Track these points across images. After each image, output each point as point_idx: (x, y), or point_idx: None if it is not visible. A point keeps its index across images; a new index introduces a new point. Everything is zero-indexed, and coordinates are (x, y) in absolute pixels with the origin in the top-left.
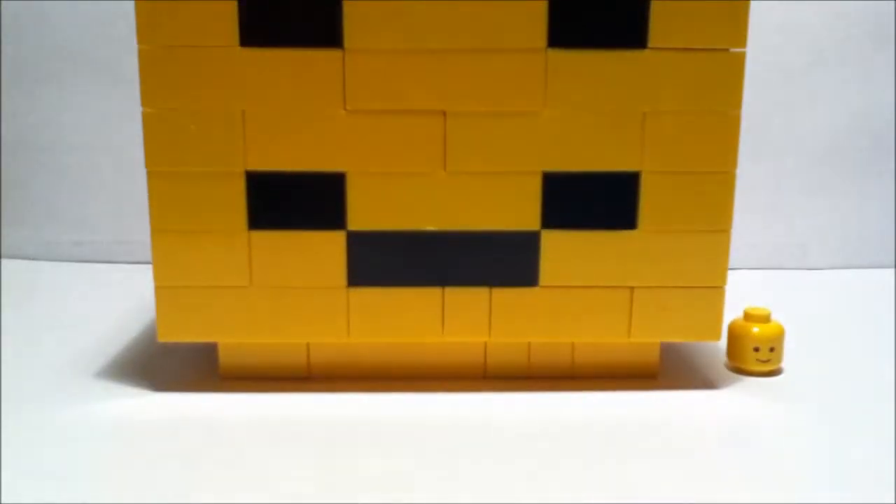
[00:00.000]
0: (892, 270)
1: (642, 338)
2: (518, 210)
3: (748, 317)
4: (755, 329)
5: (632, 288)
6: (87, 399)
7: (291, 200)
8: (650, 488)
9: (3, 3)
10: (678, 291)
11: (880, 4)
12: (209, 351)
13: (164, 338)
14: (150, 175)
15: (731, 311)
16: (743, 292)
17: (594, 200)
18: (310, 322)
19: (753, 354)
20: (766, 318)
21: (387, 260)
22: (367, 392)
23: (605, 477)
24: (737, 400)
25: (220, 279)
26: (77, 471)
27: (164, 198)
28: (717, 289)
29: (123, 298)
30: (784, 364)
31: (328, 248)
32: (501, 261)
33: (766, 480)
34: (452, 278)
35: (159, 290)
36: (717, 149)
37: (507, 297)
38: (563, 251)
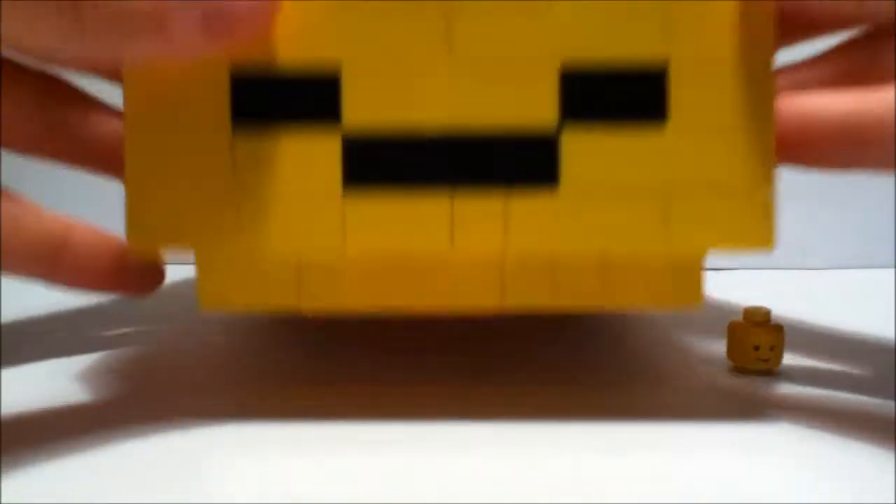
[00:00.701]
0: (892, 270)
1: (682, 246)
2: (534, 102)
3: (748, 317)
4: (755, 329)
5: (667, 189)
6: (86, 399)
7: (280, 99)
8: (650, 488)
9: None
10: (719, 191)
11: None
12: (209, 351)
13: (135, 244)
14: (126, 75)
15: (731, 312)
16: (743, 292)
17: (619, 90)
18: (300, 232)
19: (754, 354)
20: (766, 318)
21: (386, 162)
22: (367, 391)
23: (605, 477)
24: (737, 400)
25: (200, 184)
26: (76, 471)
27: (141, 98)
28: (765, 188)
29: (123, 298)
30: (784, 364)
31: (321, 150)
32: (517, 159)
33: (766, 481)
34: (462, 180)
35: (131, 192)
36: (751, 39)
37: (525, 200)
38: (586, 148)
